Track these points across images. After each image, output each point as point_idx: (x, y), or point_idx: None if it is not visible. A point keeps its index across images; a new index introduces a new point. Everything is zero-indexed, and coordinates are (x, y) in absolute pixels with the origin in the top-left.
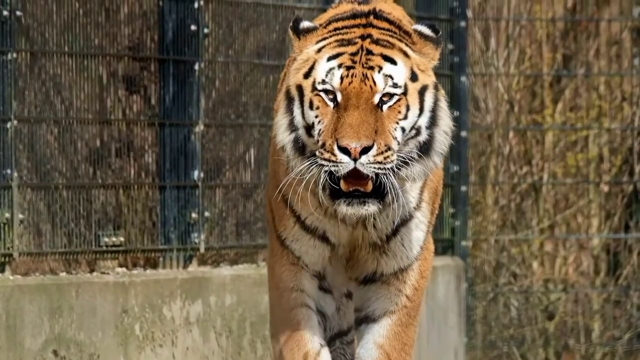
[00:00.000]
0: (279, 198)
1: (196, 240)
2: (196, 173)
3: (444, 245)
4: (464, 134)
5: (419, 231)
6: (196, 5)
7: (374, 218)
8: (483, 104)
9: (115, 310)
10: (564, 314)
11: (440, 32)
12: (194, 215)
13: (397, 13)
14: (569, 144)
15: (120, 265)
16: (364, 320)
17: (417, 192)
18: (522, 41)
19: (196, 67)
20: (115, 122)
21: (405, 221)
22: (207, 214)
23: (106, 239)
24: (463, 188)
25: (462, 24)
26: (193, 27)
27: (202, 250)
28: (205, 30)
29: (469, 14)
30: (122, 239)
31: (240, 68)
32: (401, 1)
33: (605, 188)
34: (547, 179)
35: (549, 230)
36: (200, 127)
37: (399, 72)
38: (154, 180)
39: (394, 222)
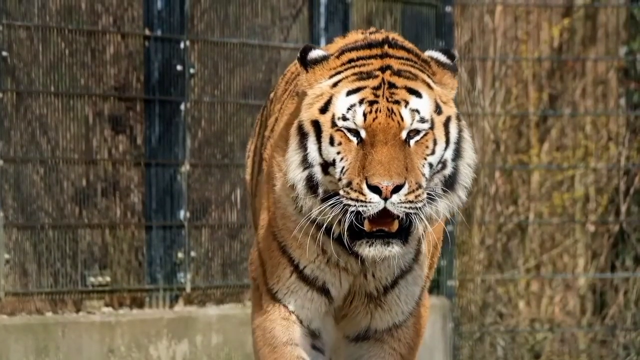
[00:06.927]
0: (274, 246)
1: (182, 280)
2: (182, 213)
3: (430, 285)
4: None
5: (416, 286)
6: (182, 45)
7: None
8: None
9: (101, 350)
10: (550, 354)
11: (457, 57)
12: (180, 255)
13: (407, 42)
14: (555, 183)
15: (107, 305)
16: None
17: (415, 244)
18: (509, 81)
19: (182, 107)
20: (101, 162)
21: (404, 273)
22: (193, 253)
23: (92, 279)
24: (449, 228)
25: None
26: (179, 67)
27: (188, 290)
28: (191, 71)
29: (455, 54)
30: (108, 278)
31: (226, 108)
32: None
33: (592, 228)
34: (533, 218)
35: (535, 270)
36: (186, 167)
37: (425, 106)
38: (140, 220)
39: (394, 273)
